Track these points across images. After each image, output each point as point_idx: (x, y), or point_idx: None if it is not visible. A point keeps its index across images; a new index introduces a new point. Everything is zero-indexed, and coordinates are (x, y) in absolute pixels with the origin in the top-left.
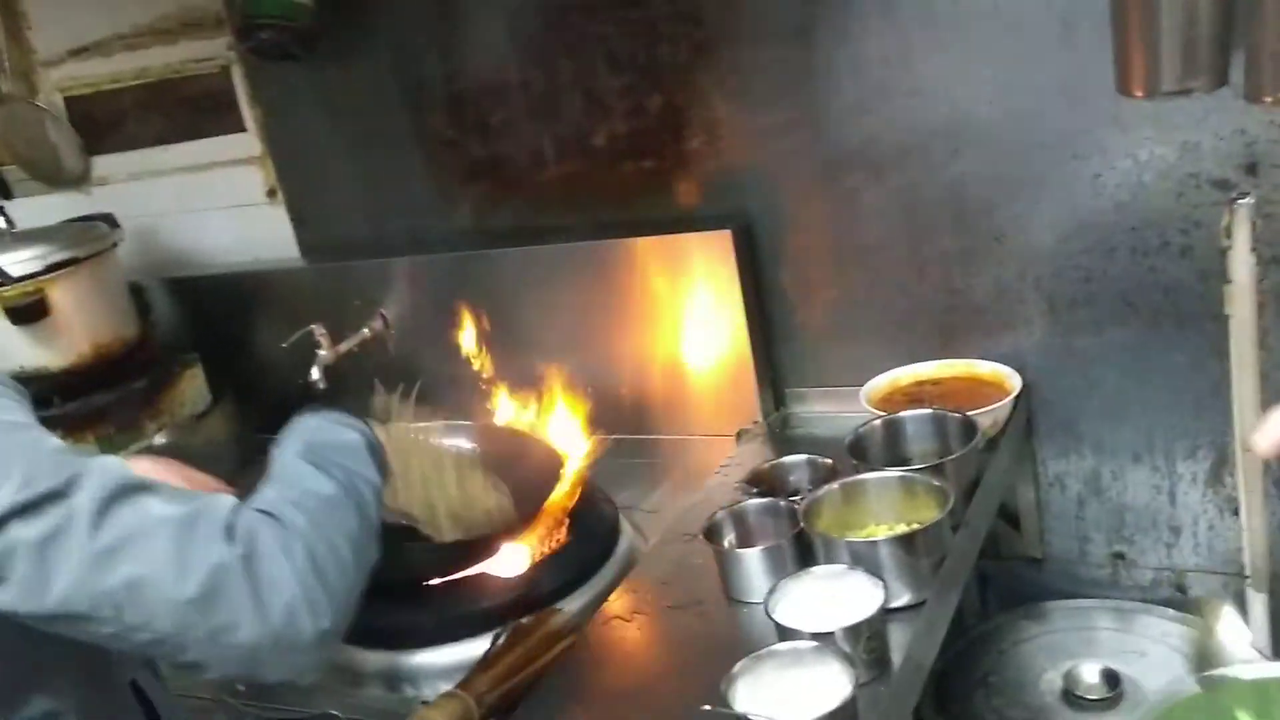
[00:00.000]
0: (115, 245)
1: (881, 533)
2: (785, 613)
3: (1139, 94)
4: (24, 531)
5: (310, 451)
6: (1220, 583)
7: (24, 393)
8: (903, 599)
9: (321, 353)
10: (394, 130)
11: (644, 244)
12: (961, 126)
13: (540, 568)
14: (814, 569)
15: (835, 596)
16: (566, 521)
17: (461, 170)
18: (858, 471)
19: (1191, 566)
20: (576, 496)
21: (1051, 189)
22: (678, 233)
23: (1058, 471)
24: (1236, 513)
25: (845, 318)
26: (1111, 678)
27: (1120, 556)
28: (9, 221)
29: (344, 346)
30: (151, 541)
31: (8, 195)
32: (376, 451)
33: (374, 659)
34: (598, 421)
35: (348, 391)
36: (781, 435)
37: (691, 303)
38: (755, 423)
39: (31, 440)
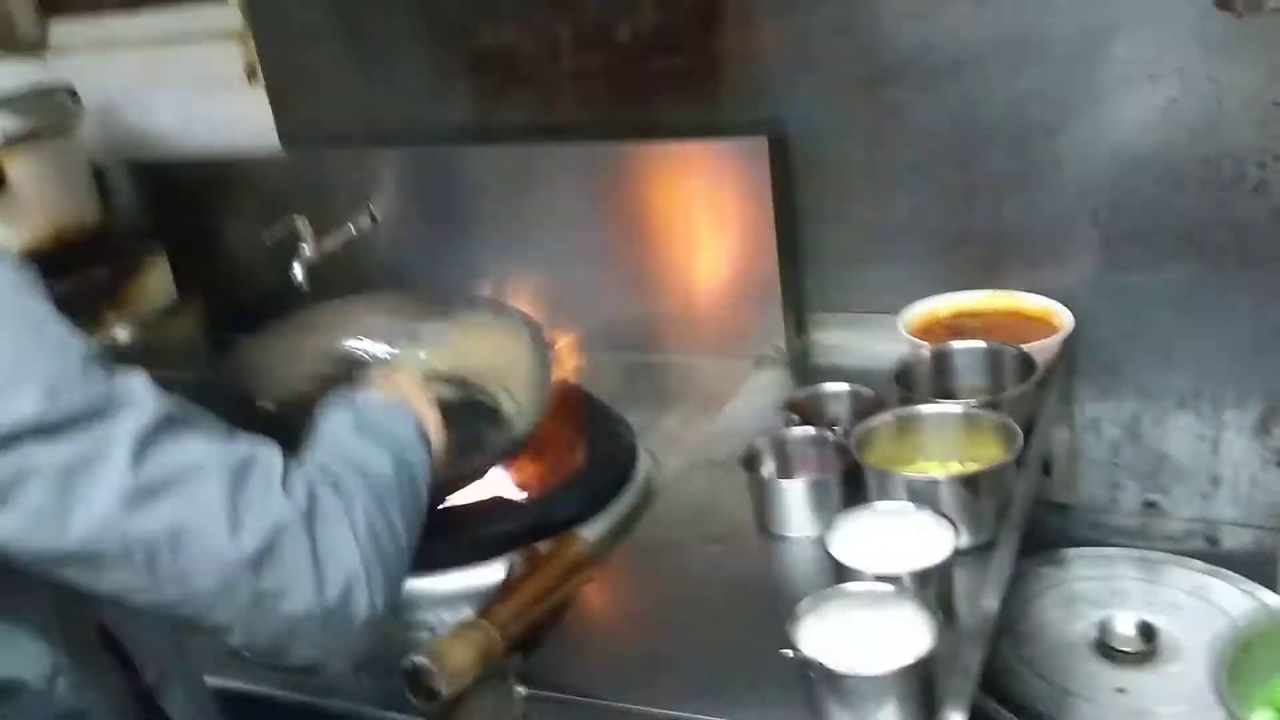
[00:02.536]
0: (78, 120)
1: (933, 469)
2: (841, 550)
3: (1240, 10)
4: (46, 455)
5: (362, 426)
6: (1255, 537)
7: (36, 273)
8: (962, 542)
9: (304, 247)
10: (392, 6)
11: (667, 149)
12: (1027, 38)
13: (554, 492)
14: (876, 505)
15: (895, 537)
16: (581, 444)
17: (466, 56)
18: (906, 403)
19: (1228, 519)
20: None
21: (1121, 112)
22: (705, 138)
23: (1095, 415)
24: None
25: (881, 241)
26: (1147, 630)
27: (1152, 505)
28: None
29: (329, 244)
30: (203, 485)
31: None
32: (426, 438)
33: None
34: (603, 339)
35: (330, 295)
36: (802, 364)
37: (715, 216)
38: (776, 349)
39: (58, 340)
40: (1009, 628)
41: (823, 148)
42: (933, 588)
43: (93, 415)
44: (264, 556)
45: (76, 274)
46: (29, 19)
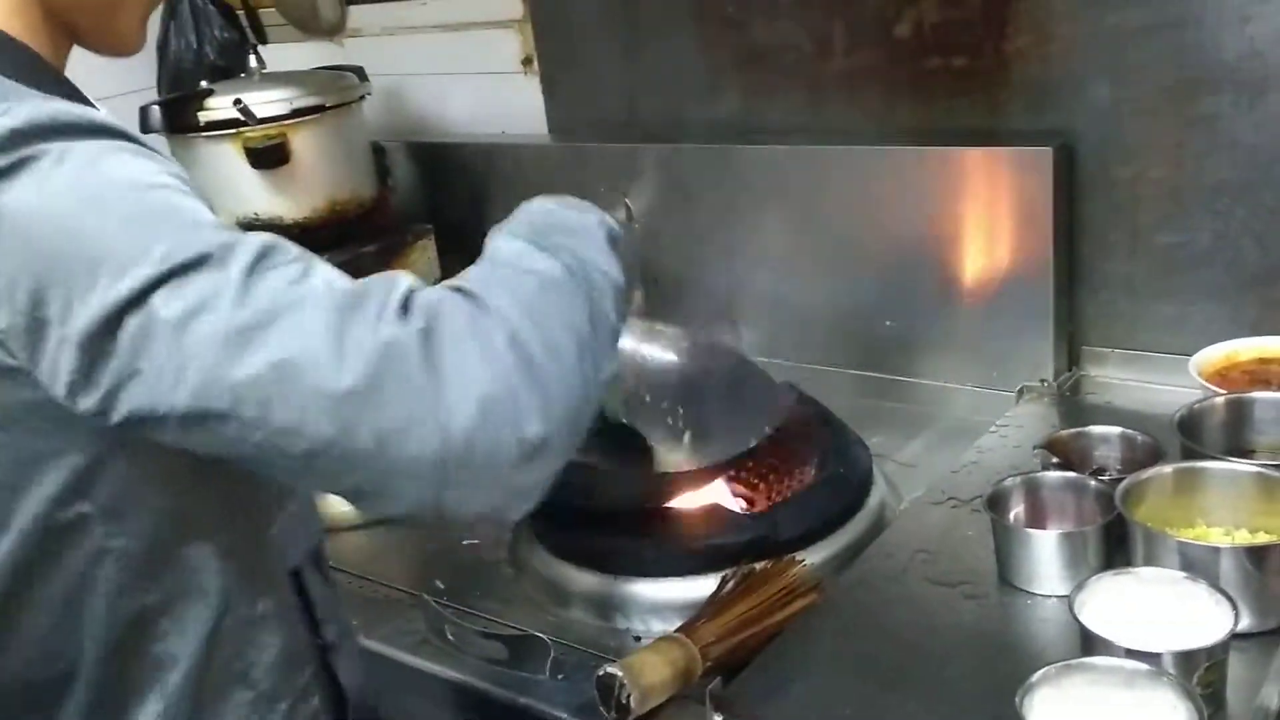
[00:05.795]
0: (363, 98)
1: (1214, 536)
2: (1091, 617)
3: None
4: (165, 308)
5: (533, 232)
6: None
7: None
8: (1242, 625)
9: None
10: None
11: (940, 155)
12: None
13: (781, 509)
14: (1139, 569)
15: (1159, 609)
16: (813, 461)
17: (735, 52)
18: (1189, 456)
19: None
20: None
21: None
22: (984, 146)
23: None
24: None
25: (1176, 270)
26: None
27: None
28: (260, 62)
29: None
30: (305, 314)
31: (263, 39)
32: (618, 243)
33: (584, 580)
34: (852, 353)
35: None
36: (1071, 400)
37: (988, 230)
38: (1042, 381)
39: (189, 210)
40: None
41: (1116, 162)
42: (1200, 674)
43: (210, 258)
44: (373, 385)
45: (348, 247)
46: (331, 5)
